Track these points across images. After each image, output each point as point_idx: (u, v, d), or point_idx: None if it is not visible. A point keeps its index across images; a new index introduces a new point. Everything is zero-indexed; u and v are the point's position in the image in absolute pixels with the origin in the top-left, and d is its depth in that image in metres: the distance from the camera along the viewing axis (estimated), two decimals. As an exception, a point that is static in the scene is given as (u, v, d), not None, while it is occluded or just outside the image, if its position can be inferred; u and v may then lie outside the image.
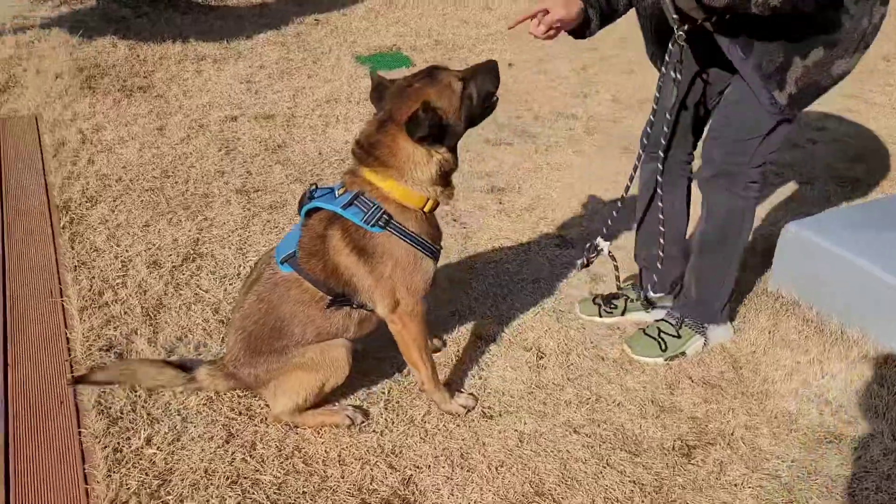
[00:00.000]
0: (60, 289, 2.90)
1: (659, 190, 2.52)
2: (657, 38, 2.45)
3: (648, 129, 2.54)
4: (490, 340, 2.76)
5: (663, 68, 2.40)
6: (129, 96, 4.87)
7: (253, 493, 2.09)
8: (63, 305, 2.81)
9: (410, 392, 2.49)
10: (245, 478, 2.14)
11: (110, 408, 2.32)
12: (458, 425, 2.37)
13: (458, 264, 3.25)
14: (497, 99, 2.21)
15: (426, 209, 2.17)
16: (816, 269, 2.84)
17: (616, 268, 2.82)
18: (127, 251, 3.18)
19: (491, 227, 3.57)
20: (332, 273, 2.15)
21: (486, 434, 2.34)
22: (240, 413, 2.37)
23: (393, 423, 2.37)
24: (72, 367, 2.51)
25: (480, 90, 2.13)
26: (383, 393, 2.49)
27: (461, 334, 2.79)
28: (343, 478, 2.17)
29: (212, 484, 2.11)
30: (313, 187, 2.23)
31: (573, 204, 3.84)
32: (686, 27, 2.23)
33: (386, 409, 2.43)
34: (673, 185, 2.65)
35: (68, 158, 3.97)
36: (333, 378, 2.26)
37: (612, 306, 2.89)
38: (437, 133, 2.04)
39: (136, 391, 2.38)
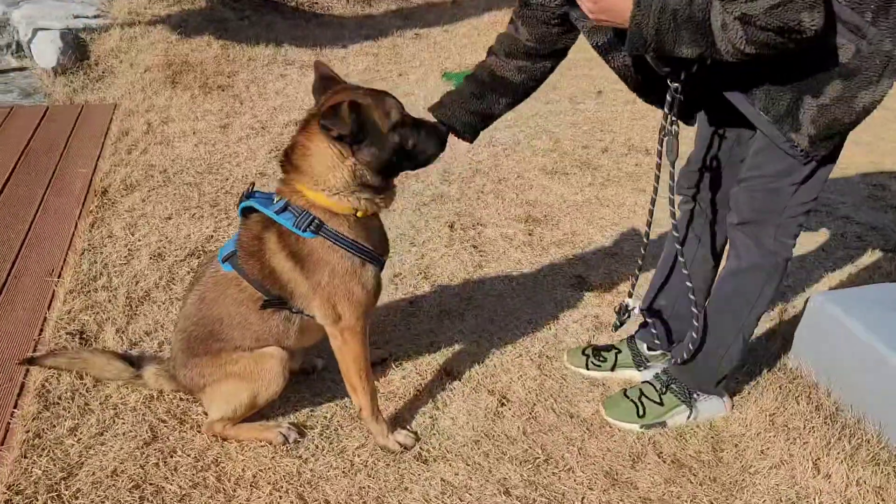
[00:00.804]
0: (62, 269, 2.99)
1: (691, 234, 2.40)
2: (644, 92, 2.21)
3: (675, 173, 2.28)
4: (456, 378, 2.57)
5: (663, 121, 2.14)
6: (206, 93, 5.06)
7: (151, 501, 2.03)
8: (55, 286, 2.90)
9: (354, 421, 2.36)
10: (151, 483, 2.08)
11: (50, 392, 2.34)
12: (388, 464, 2.20)
13: (457, 294, 3.08)
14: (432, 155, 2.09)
15: (359, 215, 2.04)
16: (839, 351, 2.43)
17: (646, 324, 2.60)
18: (139, 241, 3.25)
19: (509, 259, 3.37)
20: (269, 275, 2.07)
21: (412, 479, 2.16)
22: (174, 416, 2.32)
23: (322, 450, 2.24)
24: (35, 347, 2.56)
25: (417, 141, 2.01)
26: (325, 417, 2.38)
27: (430, 367, 2.62)
28: (248, 501, 2.06)
29: (114, 485, 2.06)
30: (251, 186, 2.17)
31: (609, 244, 3.56)
32: (682, 77, 1.98)
33: (321, 434, 2.30)
34: (703, 232, 2.42)
35: (125, 147, 4.15)
36: (266, 391, 2.18)
37: (601, 359, 2.63)
38: (356, 135, 1.89)
39: (82, 379, 2.40)
